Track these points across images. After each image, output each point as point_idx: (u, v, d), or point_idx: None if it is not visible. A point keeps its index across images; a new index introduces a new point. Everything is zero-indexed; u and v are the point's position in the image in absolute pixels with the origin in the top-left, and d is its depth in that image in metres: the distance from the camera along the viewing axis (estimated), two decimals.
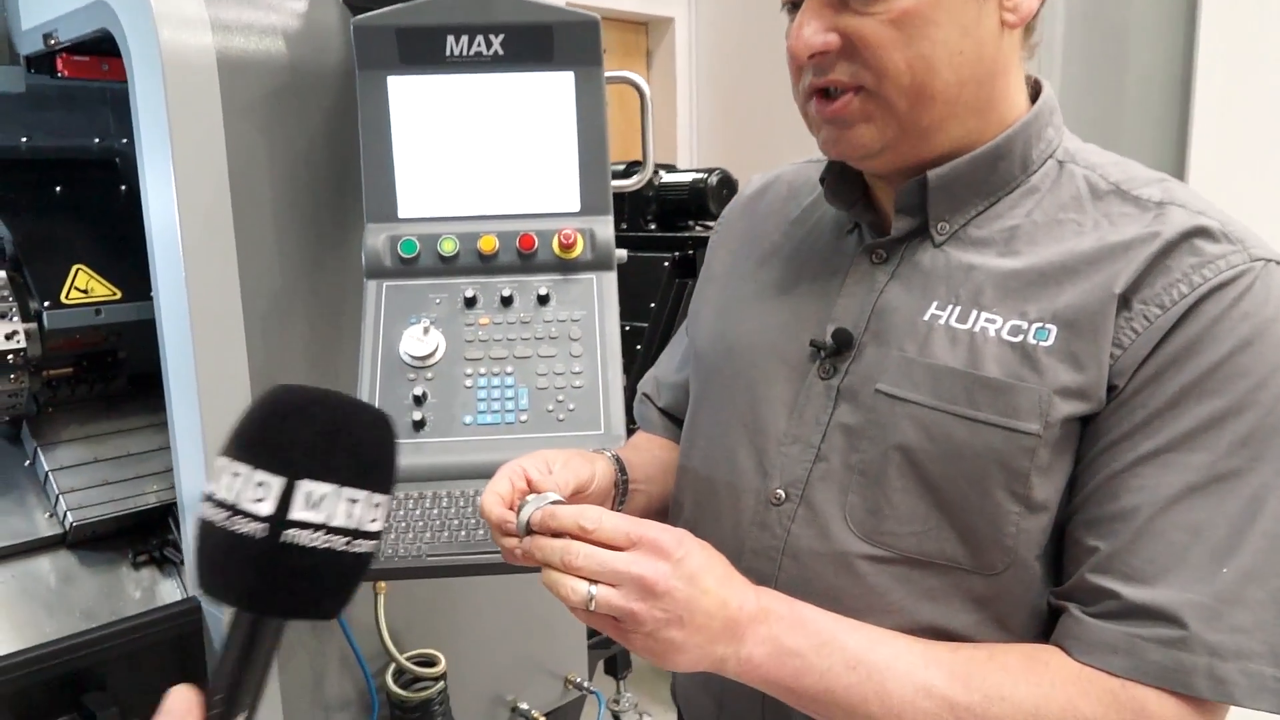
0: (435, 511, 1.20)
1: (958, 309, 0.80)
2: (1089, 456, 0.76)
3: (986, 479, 0.76)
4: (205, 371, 1.38)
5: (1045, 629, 0.80)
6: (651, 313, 2.35)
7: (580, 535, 0.73)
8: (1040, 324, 0.77)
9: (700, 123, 4.90)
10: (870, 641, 0.76)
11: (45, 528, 1.64)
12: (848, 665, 0.74)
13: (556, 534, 0.75)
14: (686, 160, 4.87)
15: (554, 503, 0.78)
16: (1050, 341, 0.76)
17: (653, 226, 2.50)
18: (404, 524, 1.19)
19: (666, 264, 2.33)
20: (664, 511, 1.04)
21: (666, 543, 0.72)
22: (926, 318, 0.81)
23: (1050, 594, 0.79)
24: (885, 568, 0.80)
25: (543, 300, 1.35)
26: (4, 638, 1.45)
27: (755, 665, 0.75)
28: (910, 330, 0.81)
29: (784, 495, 0.85)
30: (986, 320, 0.79)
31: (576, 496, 0.86)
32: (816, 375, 0.86)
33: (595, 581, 0.72)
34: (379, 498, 0.62)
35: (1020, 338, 0.77)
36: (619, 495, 0.96)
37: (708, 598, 0.72)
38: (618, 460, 0.97)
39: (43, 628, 1.49)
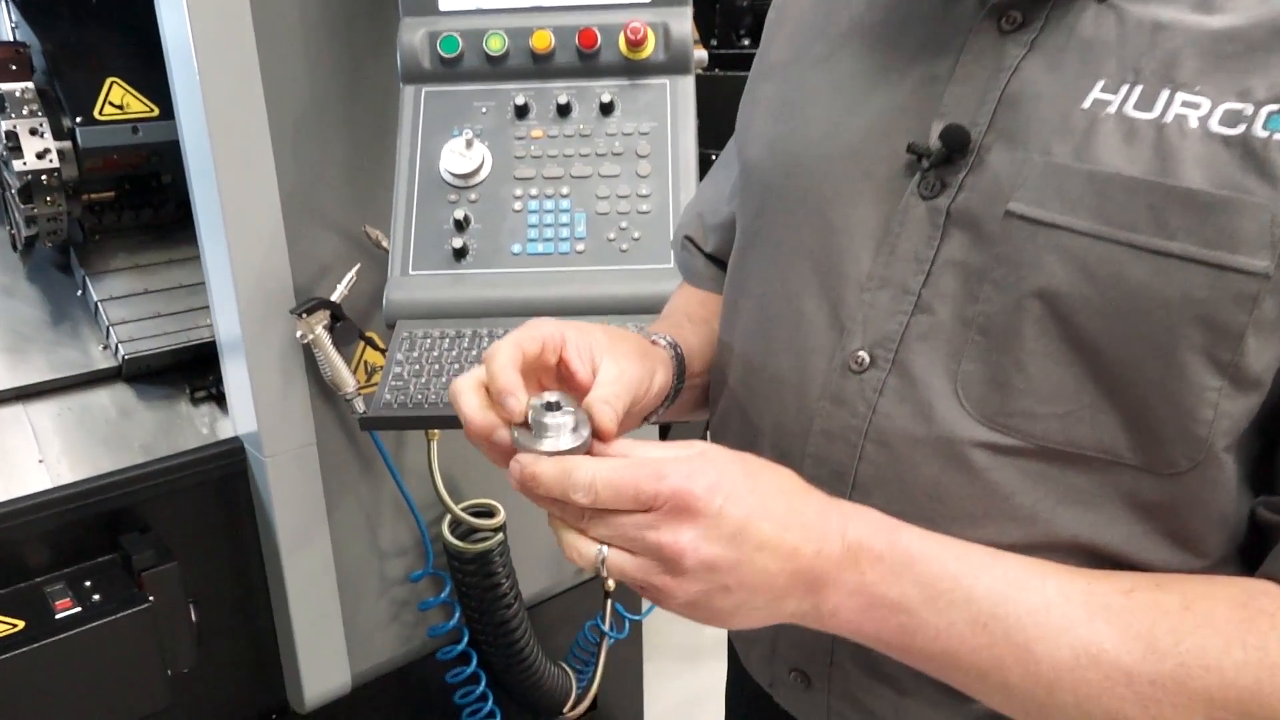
0: (474, 354, 1.05)
1: (1138, 89, 0.56)
2: None
3: (1175, 340, 0.54)
4: (230, 196, 1.25)
5: (1239, 549, 0.60)
6: None
7: (573, 505, 0.56)
8: (1274, 107, 0.53)
9: None
10: (1008, 585, 0.56)
11: (100, 360, 1.58)
12: (975, 622, 0.55)
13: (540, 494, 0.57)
14: None
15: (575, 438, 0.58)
16: None
17: (745, 42, 2.22)
18: (438, 367, 1.04)
19: None
20: None
21: (694, 494, 0.54)
22: (1087, 105, 0.57)
23: (1261, 506, 0.58)
24: (1012, 461, 0.60)
25: (606, 109, 1.15)
26: (62, 471, 1.40)
27: (844, 621, 0.57)
28: (1061, 124, 0.58)
29: (867, 359, 0.64)
30: (1185, 104, 0.55)
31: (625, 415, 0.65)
32: (916, 194, 0.63)
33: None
34: None
35: (1240, 128, 0.53)
36: (668, 400, 0.76)
37: (764, 554, 0.55)
38: (677, 355, 0.77)
39: (100, 462, 1.43)
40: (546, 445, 0.57)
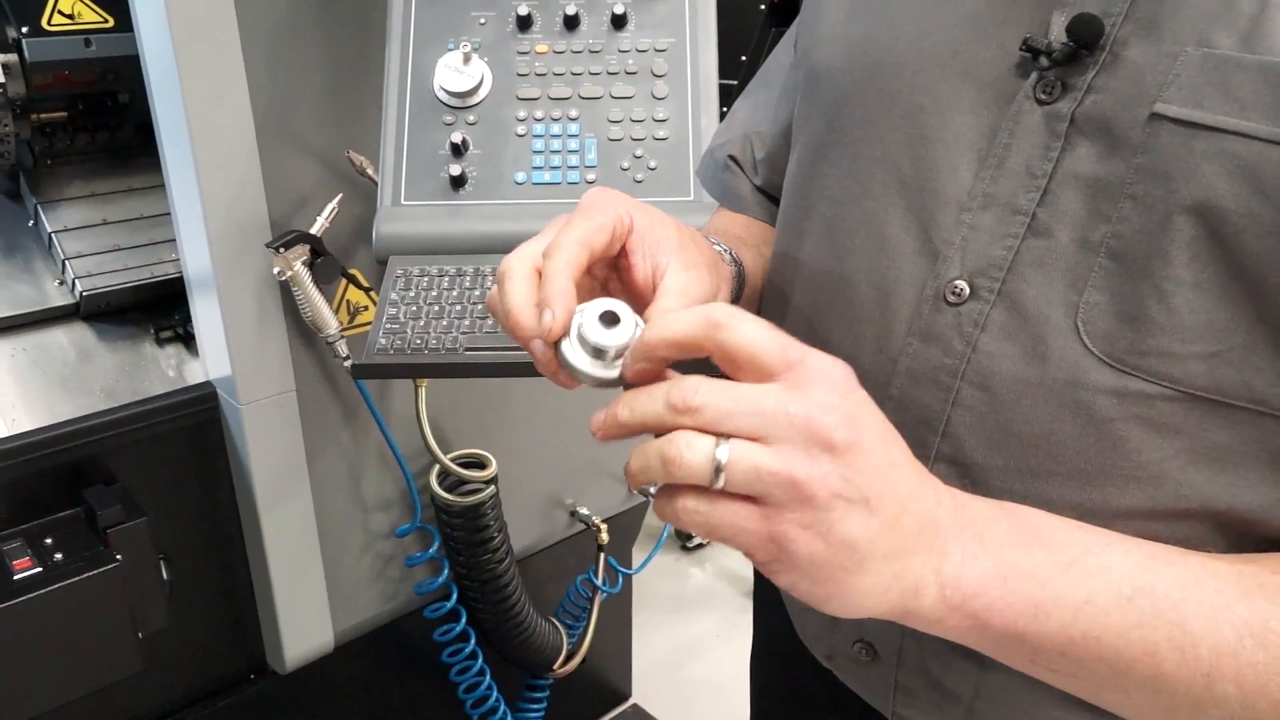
0: (477, 293, 0.95)
1: None
2: None
3: None
4: (198, 117, 1.13)
5: None
6: (742, 69, 2.00)
7: (705, 349, 0.44)
8: None
9: None
10: (1147, 556, 0.48)
11: (56, 297, 1.47)
12: (1119, 594, 0.46)
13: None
14: None
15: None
16: None
17: None
18: (438, 308, 0.94)
19: (763, 6, 1.96)
20: None
21: (837, 376, 0.44)
22: None
23: None
24: (1144, 410, 0.51)
25: (618, 22, 1.04)
26: (18, 417, 1.29)
27: (969, 594, 0.46)
28: (1223, 9, 0.48)
29: (967, 289, 0.56)
30: None
31: None
32: (1030, 97, 0.54)
33: (726, 436, 0.43)
34: None
35: None
36: None
37: (901, 474, 0.45)
38: (739, 273, 0.67)
39: (58, 407, 1.32)
40: (596, 371, 0.48)
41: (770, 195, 0.81)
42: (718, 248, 0.67)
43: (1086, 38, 0.52)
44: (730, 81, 1.99)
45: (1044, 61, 0.53)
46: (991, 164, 0.56)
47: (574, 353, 0.48)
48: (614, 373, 0.48)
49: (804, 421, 0.42)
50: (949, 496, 0.48)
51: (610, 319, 0.48)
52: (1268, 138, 0.46)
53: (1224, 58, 0.48)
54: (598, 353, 0.48)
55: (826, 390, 0.43)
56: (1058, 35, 0.53)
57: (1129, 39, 0.51)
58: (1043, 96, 0.54)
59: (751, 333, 0.44)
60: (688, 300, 0.51)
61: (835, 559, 0.43)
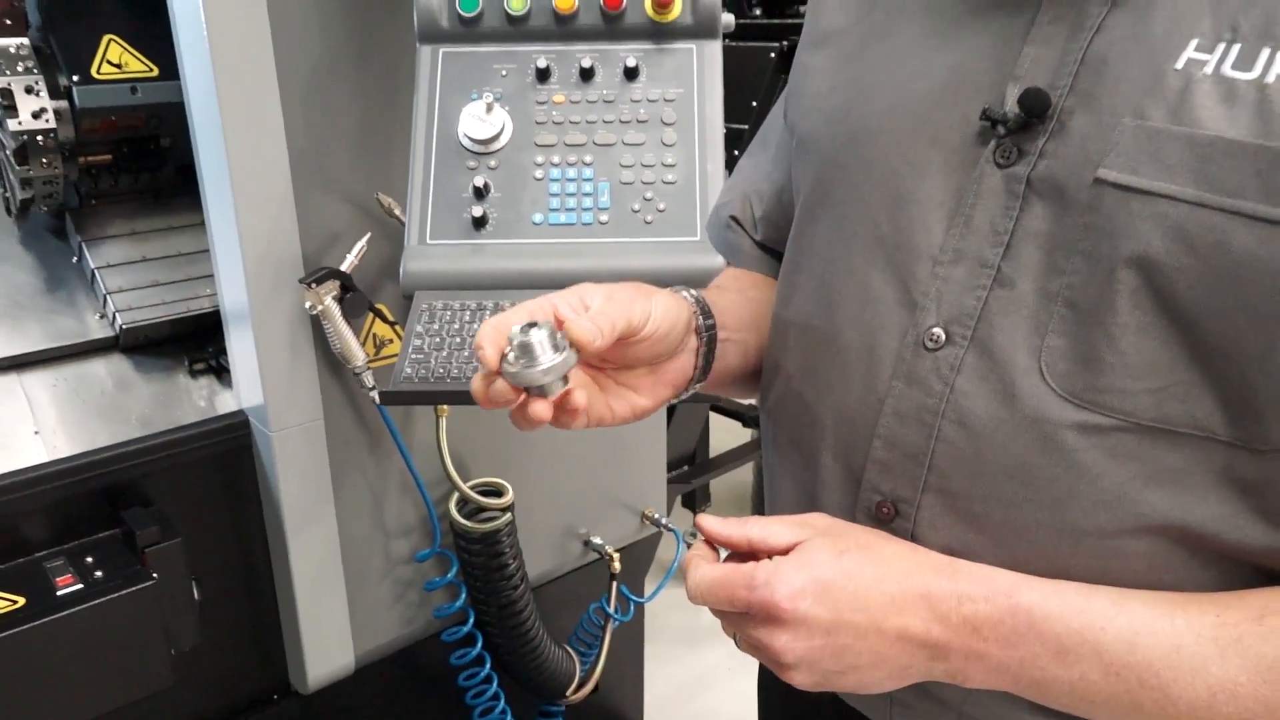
0: None
1: (1236, 48, 0.53)
2: None
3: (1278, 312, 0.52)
4: (238, 160, 1.20)
5: None
6: (753, 114, 2.07)
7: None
8: None
9: None
10: (1135, 631, 0.56)
11: (96, 329, 1.53)
12: (1107, 671, 0.56)
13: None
14: None
15: (552, 344, 0.60)
16: None
17: (757, 12, 2.19)
18: (460, 340, 1.00)
19: (772, 55, 2.03)
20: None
21: (777, 604, 0.59)
22: (1180, 65, 0.54)
23: None
24: (1102, 440, 0.57)
25: (631, 74, 1.11)
26: (59, 443, 1.36)
27: (977, 683, 0.60)
28: (1153, 84, 0.55)
29: (943, 335, 0.62)
30: None
31: (622, 344, 0.64)
32: (991, 161, 0.61)
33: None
34: None
35: None
36: (703, 348, 0.73)
37: (866, 641, 0.59)
38: (697, 299, 0.74)
39: (95, 435, 1.39)
40: (530, 368, 0.59)
41: (770, 249, 0.87)
42: (680, 292, 0.74)
43: (1036, 108, 0.58)
44: (741, 126, 2.07)
45: (1001, 130, 0.60)
46: (960, 222, 0.62)
47: (513, 368, 0.60)
48: (546, 365, 0.59)
49: (757, 646, 0.61)
50: (954, 608, 0.58)
51: (529, 325, 0.60)
52: (1194, 200, 0.53)
53: (1155, 129, 0.54)
54: (527, 354, 0.59)
55: (768, 626, 0.60)
56: (1011, 106, 0.59)
57: (1074, 110, 0.58)
58: (1001, 161, 0.60)
59: (709, 594, 0.63)
60: (606, 308, 0.63)
61: (844, 688, 0.61)
